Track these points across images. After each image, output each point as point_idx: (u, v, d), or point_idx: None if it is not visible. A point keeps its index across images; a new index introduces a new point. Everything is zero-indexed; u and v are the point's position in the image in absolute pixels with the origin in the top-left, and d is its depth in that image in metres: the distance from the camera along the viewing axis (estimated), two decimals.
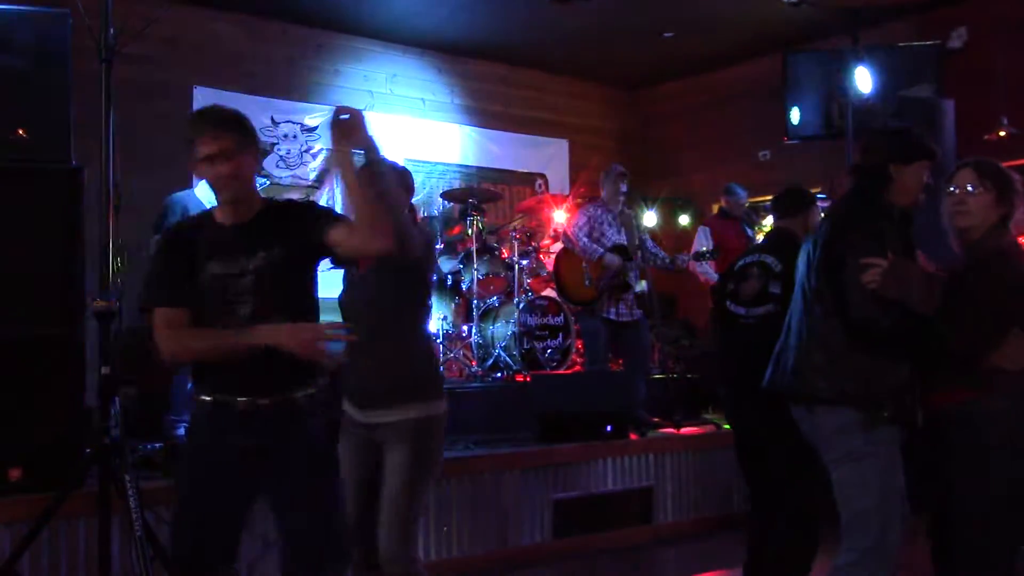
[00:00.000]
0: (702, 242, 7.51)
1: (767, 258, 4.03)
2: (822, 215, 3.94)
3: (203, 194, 5.88)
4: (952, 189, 3.13)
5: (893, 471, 3.02)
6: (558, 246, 7.20)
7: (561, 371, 6.74)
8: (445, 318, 6.94)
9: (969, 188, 3.09)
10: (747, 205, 7.79)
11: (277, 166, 7.80)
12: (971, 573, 3.04)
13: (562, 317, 7.07)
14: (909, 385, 3.02)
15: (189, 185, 6.77)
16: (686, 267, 6.89)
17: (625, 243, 6.56)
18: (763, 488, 4.11)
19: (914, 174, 3.13)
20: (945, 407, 3.06)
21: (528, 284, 7.12)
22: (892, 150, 3.16)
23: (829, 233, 3.17)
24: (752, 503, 4.24)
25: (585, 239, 6.46)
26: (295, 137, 7.90)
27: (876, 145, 3.23)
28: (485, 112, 9.00)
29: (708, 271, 7.42)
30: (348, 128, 2.70)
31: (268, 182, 6.80)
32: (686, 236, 9.32)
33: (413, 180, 3.52)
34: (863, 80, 7.04)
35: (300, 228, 2.78)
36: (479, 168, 9.00)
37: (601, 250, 6.40)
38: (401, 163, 3.61)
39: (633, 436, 5.94)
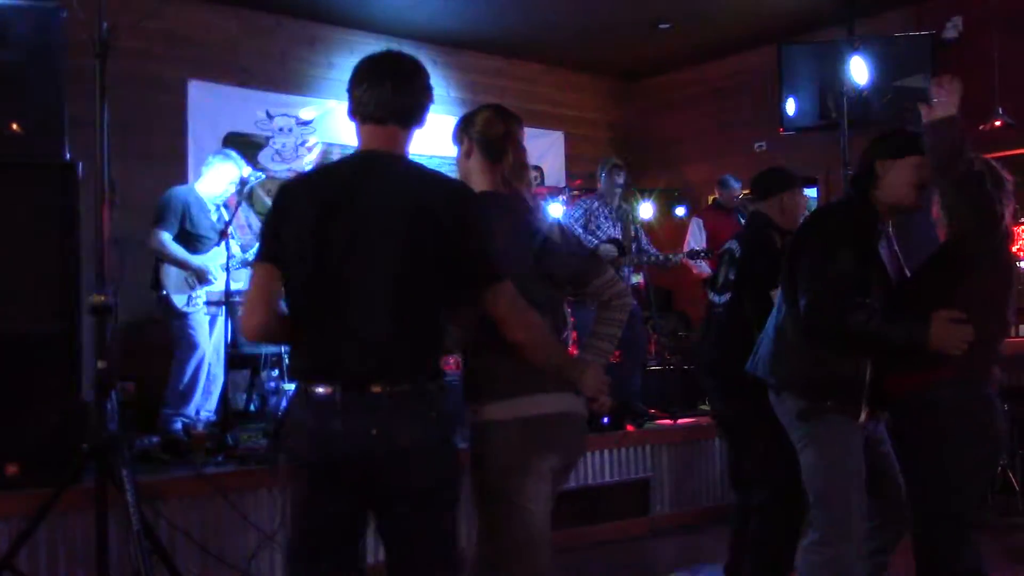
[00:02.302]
0: (695, 233, 7.52)
1: (733, 244, 4.08)
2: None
3: (203, 189, 5.87)
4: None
5: (847, 455, 3.10)
6: None
7: None
8: None
9: None
10: (741, 197, 7.78)
11: (272, 160, 7.79)
12: (928, 551, 3.12)
13: None
14: (857, 377, 3.07)
15: (185, 180, 6.78)
16: (679, 264, 6.88)
17: (620, 237, 6.56)
18: (744, 476, 4.18)
19: (902, 170, 3.11)
20: (902, 392, 3.14)
21: None
22: (878, 147, 3.18)
23: (796, 233, 3.29)
24: (736, 491, 4.30)
25: (580, 232, 6.46)
26: (290, 131, 7.88)
27: (867, 145, 3.26)
28: (480, 104, 8.97)
29: (702, 265, 7.44)
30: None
31: (264, 176, 6.77)
32: (682, 228, 9.32)
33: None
34: (858, 71, 7.04)
35: None
36: None
37: (595, 242, 6.40)
38: None
39: (630, 428, 5.94)
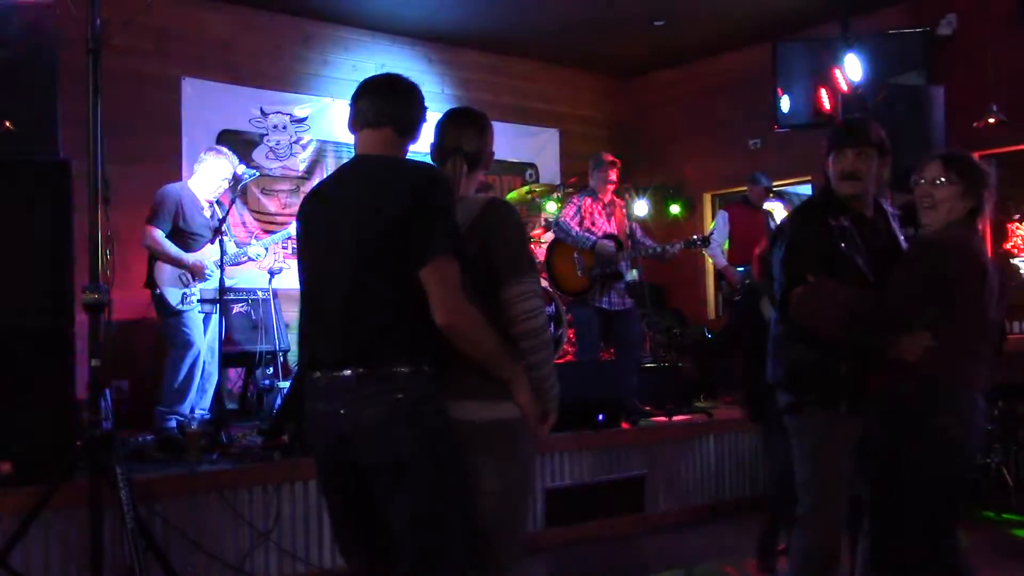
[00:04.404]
0: (720, 227, 7.55)
1: None
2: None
3: (195, 186, 5.86)
4: (920, 181, 3.17)
5: (823, 445, 3.18)
6: (549, 236, 7.20)
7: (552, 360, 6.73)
8: None
9: (936, 181, 3.11)
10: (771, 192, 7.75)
11: (267, 157, 7.78)
12: (892, 554, 3.13)
13: (553, 307, 7.07)
14: (832, 371, 3.12)
15: (180, 177, 6.77)
16: (676, 256, 6.86)
17: (616, 232, 6.57)
18: None
19: (830, 165, 3.24)
20: (874, 390, 3.17)
21: None
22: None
23: (771, 238, 3.37)
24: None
25: (576, 228, 6.46)
26: (284, 128, 7.87)
27: None
28: (475, 101, 8.97)
29: (717, 255, 7.47)
30: None
31: (257, 173, 6.76)
32: (677, 225, 9.34)
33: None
34: (853, 68, 7.05)
35: None
36: None
37: (593, 238, 6.40)
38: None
39: (625, 425, 5.95)
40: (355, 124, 2.70)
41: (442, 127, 2.83)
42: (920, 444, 3.03)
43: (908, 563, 3.08)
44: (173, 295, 5.58)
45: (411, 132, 2.70)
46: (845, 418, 3.14)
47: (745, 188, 7.88)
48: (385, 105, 2.66)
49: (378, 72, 2.86)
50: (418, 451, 2.45)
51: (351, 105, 2.72)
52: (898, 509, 3.08)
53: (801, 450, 3.24)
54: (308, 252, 2.71)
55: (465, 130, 2.81)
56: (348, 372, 2.48)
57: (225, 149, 6.02)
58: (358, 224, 2.53)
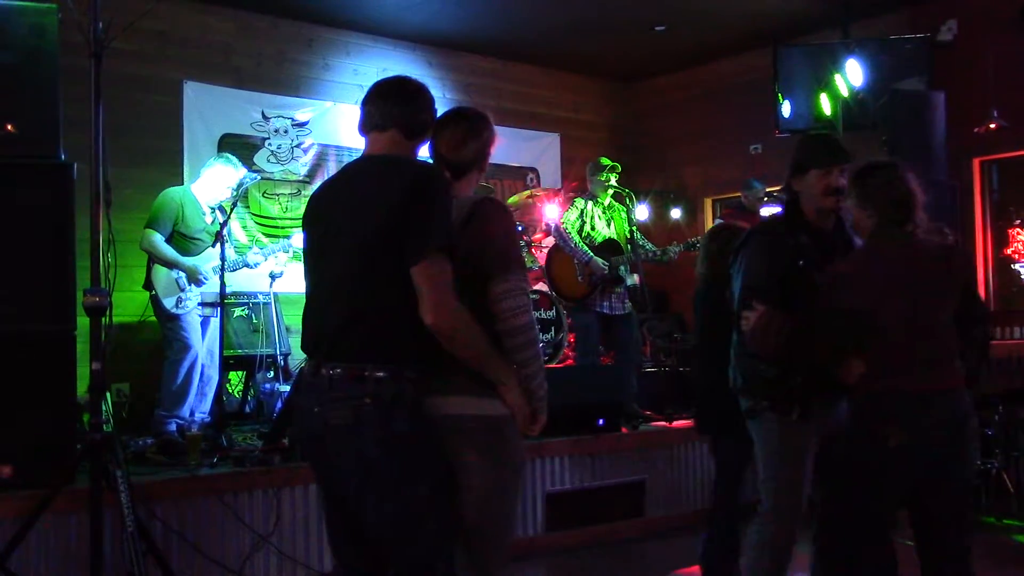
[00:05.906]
0: None
1: None
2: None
3: (198, 191, 5.87)
4: None
5: (779, 448, 3.29)
6: (550, 240, 7.20)
7: (553, 365, 6.74)
8: None
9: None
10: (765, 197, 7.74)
11: (268, 161, 7.78)
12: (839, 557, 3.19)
13: (554, 311, 7.08)
14: (783, 379, 3.21)
15: (181, 181, 6.78)
16: (675, 258, 6.86)
17: (615, 237, 6.57)
18: None
19: (809, 184, 3.26)
20: (824, 401, 3.27)
21: None
22: (791, 164, 3.33)
23: (734, 250, 3.43)
24: None
25: (575, 237, 6.46)
26: (286, 132, 7.88)
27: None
28: (476, 106, 8.72)
29: None
30: None
31: (259, 177, 6.76)
32: (678, 229, 9.33)
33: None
34: (854, 73, 7.06)
35: None
36: None
37: (588, 255, 6.39)
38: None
39: (625, 430, 5.95)
40: (364, 127, 2.73)
41: (432, 131, 2.83)
42: (863, 453, 3.08)
43: (855, 566, 3.15)
44: (169, 299, 5.58)
45: (418, 134, 2.72)
46: (798, 425, 3.22)
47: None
48: (391, 108, 2.68)
49: (380, 76, 2.87)
50: (382, 454, 2.45)
51: (361, 108, 2.74)
52: (846, 515, 3.13)
53: (762, 453, 3.36)
54: (309, 249, 2.75)
55: (443, 132, 2.79)
56: (324, 371, 2.52)
57: (233, 158, 6.03)
58: (354, 223, 2.55)
